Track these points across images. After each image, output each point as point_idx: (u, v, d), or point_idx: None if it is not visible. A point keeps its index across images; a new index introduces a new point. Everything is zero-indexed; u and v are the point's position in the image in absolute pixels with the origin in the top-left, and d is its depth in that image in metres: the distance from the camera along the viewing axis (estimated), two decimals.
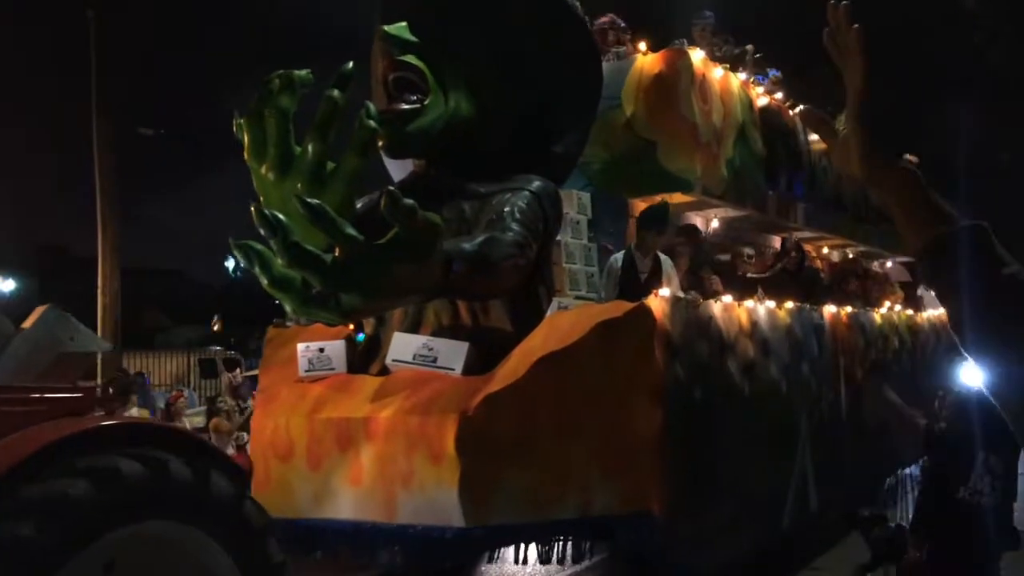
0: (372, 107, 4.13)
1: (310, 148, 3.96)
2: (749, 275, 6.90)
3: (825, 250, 11.22)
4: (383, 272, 3.49)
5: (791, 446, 6.12)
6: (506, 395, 4.02)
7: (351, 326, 5.08)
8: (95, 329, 14.46)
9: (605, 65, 6.12)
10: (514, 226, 4.47)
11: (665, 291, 4.46)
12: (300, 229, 3.36)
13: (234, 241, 3.54)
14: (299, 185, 3.98)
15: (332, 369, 4.64)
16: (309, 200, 3.31)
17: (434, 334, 4.65)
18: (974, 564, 4.80)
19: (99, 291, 14.74)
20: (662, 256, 5.84)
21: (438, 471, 3.98)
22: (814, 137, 9.38)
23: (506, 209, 4.57)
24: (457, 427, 3.92)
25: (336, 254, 3.37)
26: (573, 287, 5.89)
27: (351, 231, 3.37)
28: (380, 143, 4.79)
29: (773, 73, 9.20)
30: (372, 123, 4.04)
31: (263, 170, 4.00)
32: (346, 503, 4.34)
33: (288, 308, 3.73)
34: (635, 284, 5.32)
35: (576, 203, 6.11)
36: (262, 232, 3.35)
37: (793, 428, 6.16)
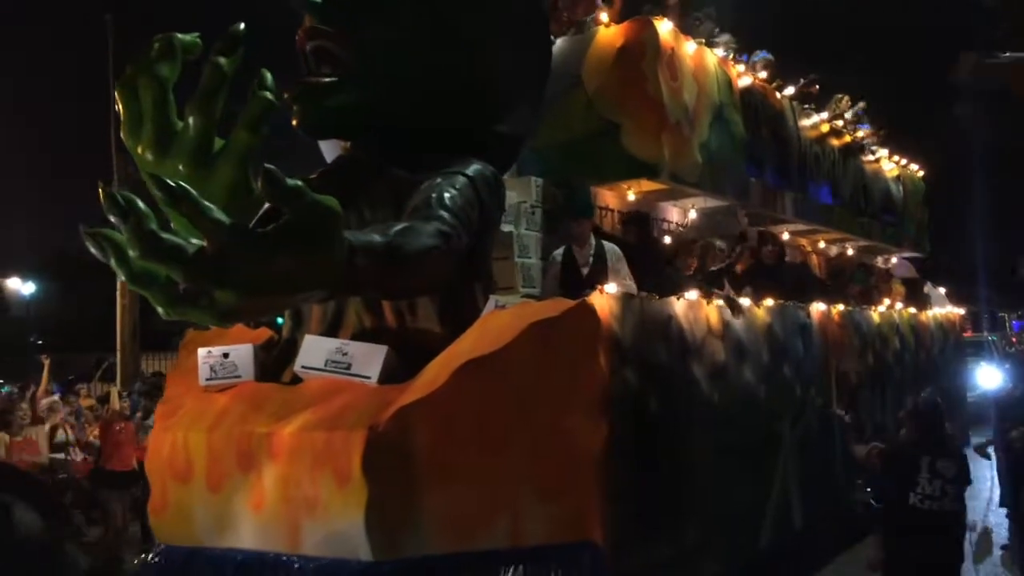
0: (268, 76, 3.67)
1: (192, 123, 3.51)
2: (711, 268, 6.41)
3: (821, 244, 10.75)
4: (263, 265, 3.02)
5: (771, 458, 5.68)
6: (423, 407, 3.57)
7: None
8: (115, 332, 15.58)
9: (564, 39, 5.67)
10: (441, 213, 4.01)
11: (612, 287, 3.98)
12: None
13: (85, 229, 3.07)
14: (180, 166, 3.54)
15: (238, 377, 4.19)
16: (165, 179, 2.84)
17: (355, 337, 4.20)
18: (937, 566, 5.02)
19: (118, 293, 15.39)
20: (606, 245, 5.36)
21: (343, 496, 3.53)
22: (806, 123, 8.94)
23: (433, 195, 4.12)
24: (364, 444, 3.48)
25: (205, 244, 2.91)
26: (527, 283, 5.45)
27: (218, 216, 2.90)
28: (295, 121, 4.40)
29: (762, 55, 8.73)
30: (268, 95, 3.58)
31: (139, 149, 3.55)
32: (248, 531, 3.89)
33: (159, 308, 3.27)
34: (577, 279, 4.85)
35: (533, 191, 5.66)
36: (111, 218, 2.89)
37: (773, 438, 5.72)
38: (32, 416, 9.45)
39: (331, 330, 4.30)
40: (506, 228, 5.57)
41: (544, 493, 3.70)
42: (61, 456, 9.25)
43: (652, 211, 6.84)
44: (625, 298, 4.09)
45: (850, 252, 11.33)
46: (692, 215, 7.17)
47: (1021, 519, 6.39)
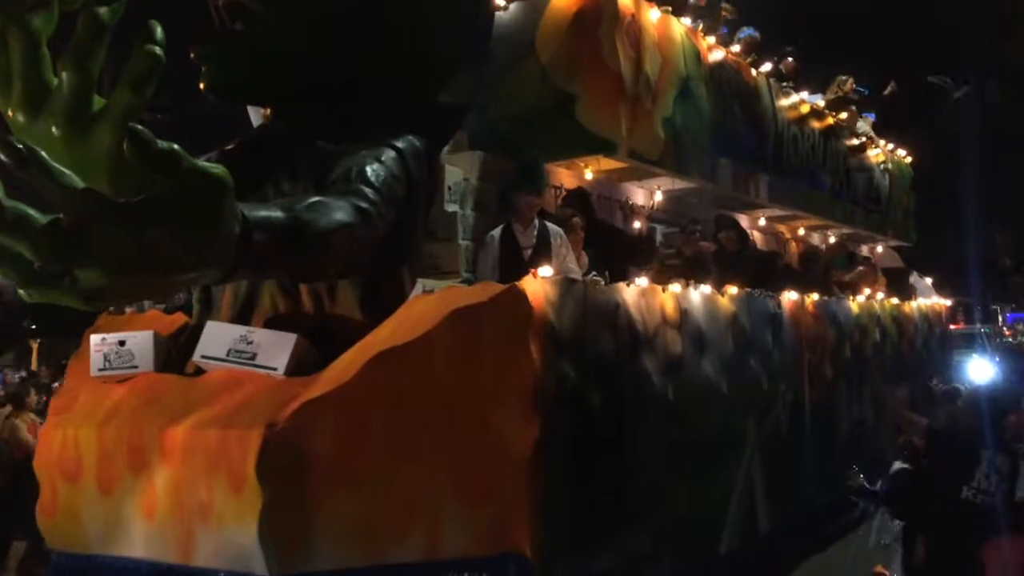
0: (158, 28, 3.30)
1: (66, 80, 3.13)
2: (664, 254, 6.08)
3: (801, 231, 10.46)
4: (131, 241, 2.66)
5: (733, 457, 5.37)
6: (329, 403, 3.25)
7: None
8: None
9: (518, 3, 5.32)
10: (361, 188, 3.68)
11: (547, 270, 3.65)
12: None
13: None
14: (54, 128, 3.18)
15: (134, 367, 3.85)
16: (8, 138, 2.48)
17: (268, 323, 3.88)
18: (979, 563, 4.89)
19: None
20: (551, 226, 5.02)
21: (238, 502, 3.20)
22: (784, 102, 8.62)
23: (355, 168, 3.78)
24: (260, 444, 3.13)
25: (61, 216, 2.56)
26: (471, 267, 5.11)
27: (72, 182, 2.55)
28: (202, 83, 4.05)
29: (748, 32, 8.39)
30: (155, 49, 3.22)
31: (9, 110, 3.18)
32: (140, 538, 3.58)
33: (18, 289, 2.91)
34: (517, 262, 4.50)
35: (479, 167, 5.32)
36: None
37: (736, 436, 5.42)
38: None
39: (243, 315, 3.98)
40: (451, 208, 5.24)
41: (466, 500, 3.39)
42: None
43: (614, 192, 6.51)
44: (564, 283, 3.76)
45: (832, 240, 11.04)
46: (658, 197, 6.83)
47: None
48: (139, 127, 2.58)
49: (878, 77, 12.10)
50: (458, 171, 5.33)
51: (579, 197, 6.22)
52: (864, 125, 11.34)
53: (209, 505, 3.31)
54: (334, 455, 3.25)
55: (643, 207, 6.86)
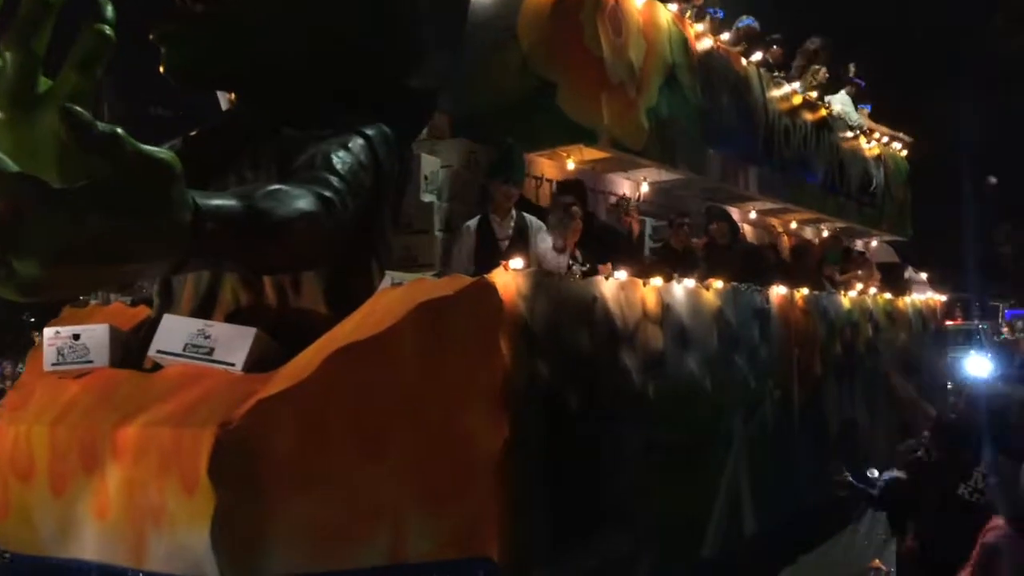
0: (108, 6, 3.17)
1: (9, 60, 2.99)
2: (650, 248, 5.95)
3: (793, 225, 10.34)
4: (71, 230, 2.53)
5: (718, 457, 5.25)
6: (286, 400, 3.12)
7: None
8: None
9: None
10: (324, 176, 3.55)
11: (518, 262, 3.52)
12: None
13: None
14: None
15: (89, 362, 3.72)
16: None
17: (230, 316, 3.75)
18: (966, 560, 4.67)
19: None
20: (530, 218, 4.88)
21: (190, 505, 3.07)
22: (776, 93, 8.50)
23: (319, 155, 3.65)
24: (213, 444, 3.00)
25: None
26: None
27: (5, 166, 2.41)
28: (162, 66, 3.91)
29: (747, 22, 8.26)
30: (104, 28, 3.08)
31: None
32: (92, 541, 3.44)
33: None
34: (493, 254, 4.37)
35: (460, 156, 5.19)
36: None
37: (721, 436, 5.30)
38: None
39: (204, 308, 3.84)
40: (427, 198, 5.11)
41: (431, 502, 3.26)
42: None
43: (599, 184, 6.38)
44: (537, 276, 3.63)
45: (825, 234, 10.92)
46: (644, 189, 6.70)
47: None
48: (76, 108, 2.44)
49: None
50: (435, 160, 5.20)
51: (575, 186, 6.08)
52: (859, 117, 11.22)
53: (161, 507, 3.18)
54: (291, 455, 3.12)
55: (629, 199, 6.73)
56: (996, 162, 26.33)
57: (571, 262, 5.00)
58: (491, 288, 3.39)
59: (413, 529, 3.24)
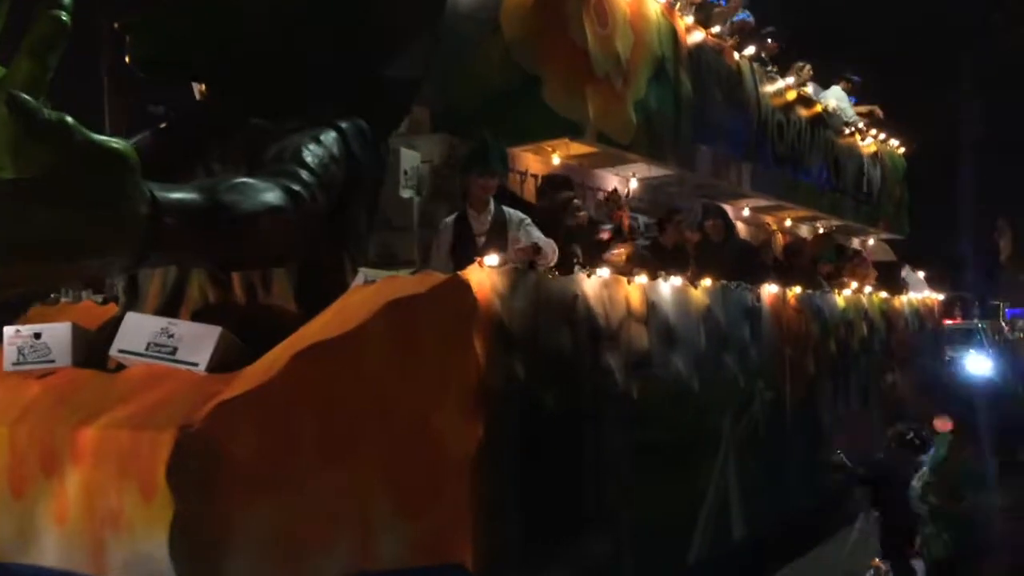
0: None
1: None
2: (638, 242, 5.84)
3: (788, 223, 10.24)
4: (18, 224, 2.42)
5: (706, 459, 5.16)
6: (249, 402, 3.02)
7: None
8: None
9: None
10: (294, 169, 3.46)
11: (494, 259, 3.42)
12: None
13: None
14: None
15: (51, 362, 3.62)
16: None
17: (196, 315, 3.65)
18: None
19: None
20: (509, 211, 4.77)
21: (148, 510, 2.97)
22: (769, 88, 8.40)
23: (289, 148, 3.55)
24: (172, 448, 2.89)
25: None
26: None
27: None
28: (127, 56, 3.80)
29: (743, 16, 8.15)
30: (60, 15, 2.98)
31: None
32: (51, 546, 3.33)
33: None
34: (471, 250, 4.27)
35: (442, 151, 5.08)
36: None
37: (709, 436, 5.20)
38: None
39: (171, 306, 3.75)
40: (406, 194, 5.01)
41: (401, 507, 3.17)
42: None
43: (586, 180, 6.28)
44: (514, 273, 3.53)
45: (821, 232, 10.82)
46: (633, 184, 6.60)
47: None
48: (22, 95, 2.34)
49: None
50: (415, 154, 5.10)
51: (564, 183, 5.97)
52: (851, 111, 11.12)
53: (120, 513, 3.08)
54: (254, 460, 3.01)
55: (619, 193, 6.62)
56: (996, 160, 26.25)
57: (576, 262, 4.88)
58: (464, 285, 3.29)
59: (382, 535, 3.14)
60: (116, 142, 2.55)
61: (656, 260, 5.38)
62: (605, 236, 5.47)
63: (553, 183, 5.75)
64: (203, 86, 4.17)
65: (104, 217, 2.55)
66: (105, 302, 4.73)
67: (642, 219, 7.50)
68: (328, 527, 3.09)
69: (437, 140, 5.47)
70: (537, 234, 4.62)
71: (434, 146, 5.44)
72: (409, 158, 5.00)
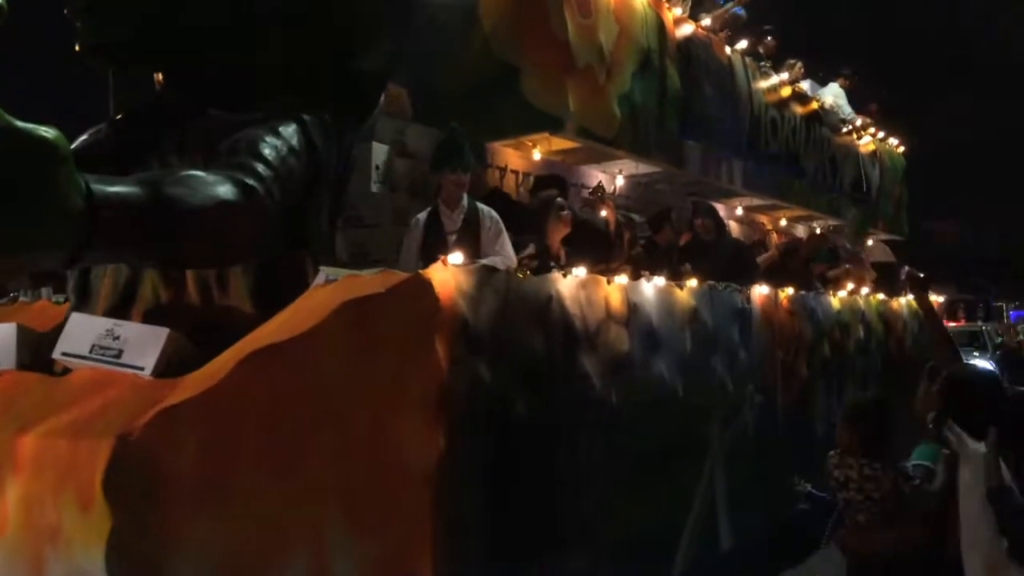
0: None
1: None
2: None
3: (783, 222, 10.09)
4: None
5: (691, 467, 5.00)
6: (194, 409, 2.86)
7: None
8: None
9: None
10: (249, 162, 3.31)
11: (458, 257, 3.26)
12: None
13: None
14: None
15: None
16: None
17: (148, 315, 3.50)
18: None
19: None
20: (483, 208, 4.62)
21: (86, 524, 2.81)
22: (763, 84, 8.24)
23: (244, 139, 3.40)
24: (109, 457, 2.73)
25: None
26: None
27: None
28: (78, 43, 3.65)
29: (737, 10, 7.99)
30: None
31: None
32: None
33: None
34: (441, 249, 4.11)
35: (423, 146, 4.93)
36: None
37: (696, 443, 5.04)
38: None
39: (118, 306, 3.60)
40: (375, 188, 4.85)
41: (357, 523, 3.01)
42: None
43: (571, 176, 6.12)
44: (481, 272, 3.37)
45: (818, 232, 10.67)
46: (620, 182, 6.43)
47: None
48: None
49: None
50: (385, 148, 4.93)
51: (555, 181, 5.81)
52: (848, 108, 10.97)
53: (58, 526, 2.92)
54: (198, 471, 2.85)
55: (604, 189, 6.46)
56: (995, 160, 26.18)
57: (553, 264, 4.73)
58: (426, 285, 3.14)
59: (336, 553, 2.99)
60: (45, 129, 2.39)
61: (651, 260, 5.23)
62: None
63: (542, 183, 5.61)
64: (160, 76, 4.02)
65: (32, 211, 2.40)
66: (66, 301, 4.59)
67: (636, 219, 7.35)
68: (278, 544, 2.93)
69: (422, 132, 5.30)
70: (506, 240, 4.47)
71: (418, 139, 5.27)
72: (381, 152, 4.84)
